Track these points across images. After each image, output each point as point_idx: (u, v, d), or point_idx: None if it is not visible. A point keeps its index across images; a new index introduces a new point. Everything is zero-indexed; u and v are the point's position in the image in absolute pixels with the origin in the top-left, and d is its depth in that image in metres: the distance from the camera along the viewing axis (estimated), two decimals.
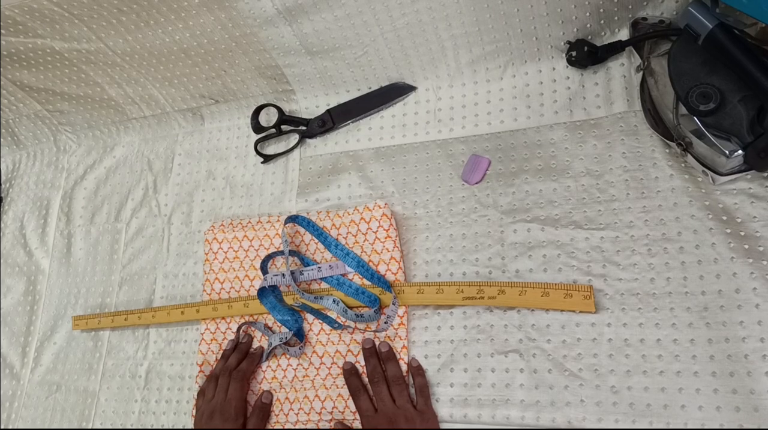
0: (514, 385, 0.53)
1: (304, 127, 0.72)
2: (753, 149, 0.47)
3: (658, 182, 0.55)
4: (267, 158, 0.73)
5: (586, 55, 0.60)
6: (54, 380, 0.75)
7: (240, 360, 0.63)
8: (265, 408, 0.61)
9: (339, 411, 0.58)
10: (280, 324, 0.63)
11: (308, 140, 0.73)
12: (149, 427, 0.67)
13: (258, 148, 0.74)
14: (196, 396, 0.64)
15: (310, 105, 0.74)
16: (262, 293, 0.63)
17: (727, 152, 0.48)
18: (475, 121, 0.65)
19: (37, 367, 0.77)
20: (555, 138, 0.61)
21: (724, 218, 0.52)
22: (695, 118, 0.49)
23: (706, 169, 0.51)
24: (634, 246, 0.54)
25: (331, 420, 0.58)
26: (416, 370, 0.56)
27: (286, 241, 0.64)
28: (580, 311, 0.53)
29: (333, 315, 0.61)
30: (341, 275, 0.62)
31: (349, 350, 0.60)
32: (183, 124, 0.81)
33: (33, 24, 0.71)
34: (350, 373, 0.58)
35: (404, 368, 0.57)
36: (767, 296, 0.48)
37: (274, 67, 0.71)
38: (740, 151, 0.48)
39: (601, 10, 0.58)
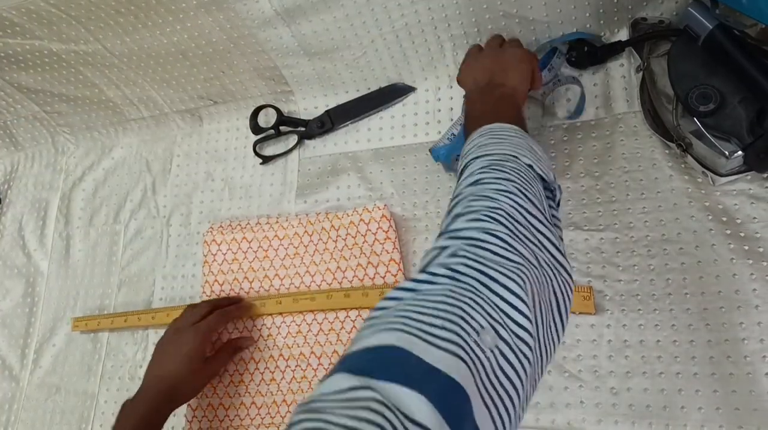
0: None
1: (303, 128, 0.72)
2: (753, 150, 0.47)
3: (658, 183, 0.55)
4: (266, 159, 0.73)
5: (585, 55, 0.59)
6: (53, 382, 0.75)
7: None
8: (237, 347, 0.62)
9: None
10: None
11: (307, 141, 0.73)
12: None
13: (257, 149, 0.74)
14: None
15: (308, 106, 0.74)
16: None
17: (726, 153, 0.48)
18: None
19: (36, 369, 0.77)
20: (554, 139, 0.61)
21: (724, 218, 0.51)
22: (695, 119, 0.49)
23: (705, 170, 0.51)
24: (633, 247, 0.54)
25: None
26: None
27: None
28: (580, 312, 0.53)
29: None
30: None
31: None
32: (181, 125, 0.81)
33: (30, 25, 0.71)
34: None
35: None
36: (767, 297, 0.48)
37: (272, 68, 0.71)
38: (740, 152, 0.47)
39: (601, 11, 0.58)
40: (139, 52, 0.72)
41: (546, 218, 0.33)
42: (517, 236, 0.30)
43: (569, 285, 0.31)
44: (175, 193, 0.78)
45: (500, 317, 0.25)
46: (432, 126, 0.67)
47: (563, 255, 0.32)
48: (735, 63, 0.48)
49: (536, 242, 0.31)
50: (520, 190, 0.33)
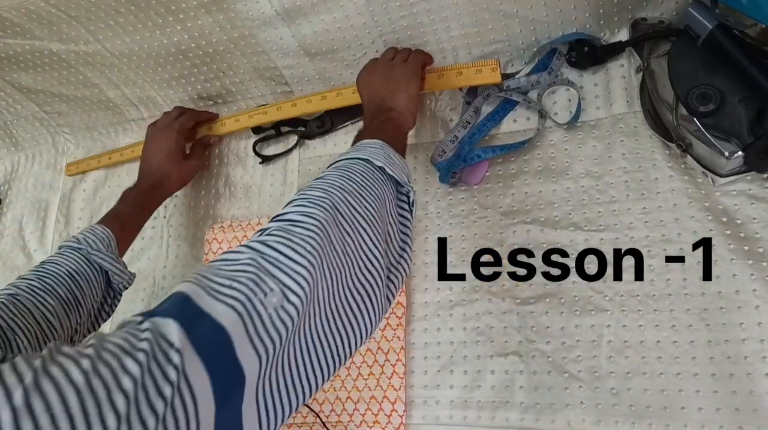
0: (514, 387, 0.53)
1: (302, 128, 0.72)
2: (753, 150, 0.47)
3: (658, 183, 0.55)
4: (266, 159, 0.73)
5: (585, 56, 0.59)
6: None
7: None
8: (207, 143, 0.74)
9: (336, 414, 0.58)
10: None
11: (307, 141, 0.73)
12: None
13: (257, 149, 0.74)
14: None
15: None
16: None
17: (726, 153, 0.48)
18: None
19: None
20: (554, 139, 0.61)
21: (724, 219, 0.51)
22: (695, 119, 0.49)
23: (705, 171, 0.51)
24: (633, 248, 0.53)
25: (324, 424, 0.58)
26: None
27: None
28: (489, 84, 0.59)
29: None
30: None
31: None
32: None
33: (31, 26, 0.71)
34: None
35: (402, 370, 0.57)
36: (767, 297, 0.48)
37: (272, 68, 0.71)
38: (740, 153, 0.47)
39: (601, 11, 0.58)
40: (139, 52, 0.72)
41: (373, 215, 0.38)
42: (334, 223, 0.36)
43: (375, 280, 0.37)
44: (175, 194, 0.77)
45: (287, 284, 0.31)
46: (431, 127, 0.67)
47: (380, 250, 0.38)
48: (735, 63, 0.48)
49: (353, 233, 0.37)
50: (356, 189, 0.39)
